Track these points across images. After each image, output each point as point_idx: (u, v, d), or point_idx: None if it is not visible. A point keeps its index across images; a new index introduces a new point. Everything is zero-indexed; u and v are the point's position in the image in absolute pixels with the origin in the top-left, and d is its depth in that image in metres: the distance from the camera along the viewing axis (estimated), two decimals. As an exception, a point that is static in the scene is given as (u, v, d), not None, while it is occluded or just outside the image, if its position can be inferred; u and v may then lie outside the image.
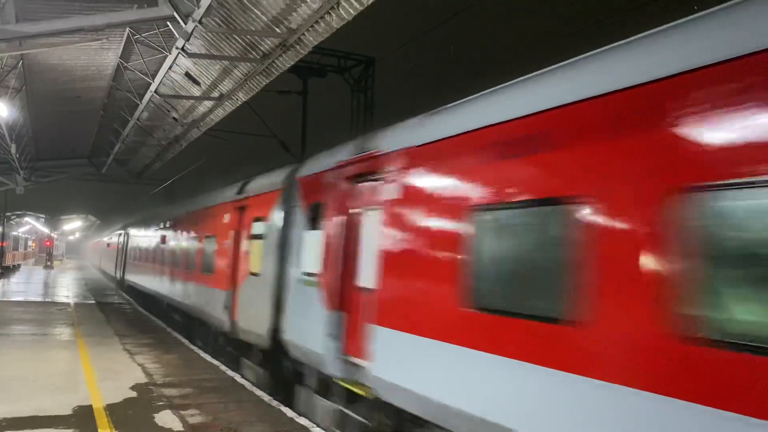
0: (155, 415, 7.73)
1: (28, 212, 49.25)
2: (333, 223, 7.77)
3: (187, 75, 15.59)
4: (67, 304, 21.96)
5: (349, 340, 7.15)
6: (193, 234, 15.57)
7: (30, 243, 71.82)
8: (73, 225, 62.55)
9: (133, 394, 8.78)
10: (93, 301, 23.90)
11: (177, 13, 10.47)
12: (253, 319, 10.36)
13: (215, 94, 15.91)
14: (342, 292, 7.41)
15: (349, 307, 7.30)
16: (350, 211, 7.53)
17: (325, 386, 7.78)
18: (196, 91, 16.31)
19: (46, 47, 13.14)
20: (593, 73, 4.46)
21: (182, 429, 7.22)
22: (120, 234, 33.07)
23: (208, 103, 16.85)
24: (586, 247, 4.09)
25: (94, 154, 29.08)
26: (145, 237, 23.86)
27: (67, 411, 7.63)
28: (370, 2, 9.24)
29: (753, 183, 3.20)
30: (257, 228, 10.78)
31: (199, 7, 10.49)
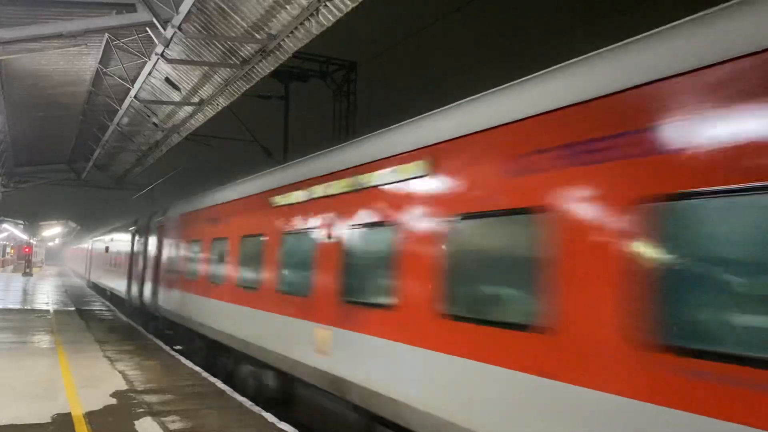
0: (135, 422, 7.71)
1: (6, 218, 48.48)
2: None
3: (167, 80, 15.54)
4: (47, 311, 21.72)
5: None
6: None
7: (8, 250, 70.77)
8: (53, 231, 61.72)
9: (113, 401, 8.74)
10: (73, 308, 23.65)
11: (156, 19, 10.48)
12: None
13: (195, 100, 15.88)
14: None
15: None
16: None
17: None
18: (176, 97, 16.26)
19: (24, 53, 13.05)
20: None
21: (162, 435, 7.22)
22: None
23: (189, 109, 16.81)
24: None
25: (74, 160, 28.81)
26: None
27: (46, 419, 7.59)
28: (348, 9, 9.33)
29: None
30: None
31: (178, 13, 10.51)
